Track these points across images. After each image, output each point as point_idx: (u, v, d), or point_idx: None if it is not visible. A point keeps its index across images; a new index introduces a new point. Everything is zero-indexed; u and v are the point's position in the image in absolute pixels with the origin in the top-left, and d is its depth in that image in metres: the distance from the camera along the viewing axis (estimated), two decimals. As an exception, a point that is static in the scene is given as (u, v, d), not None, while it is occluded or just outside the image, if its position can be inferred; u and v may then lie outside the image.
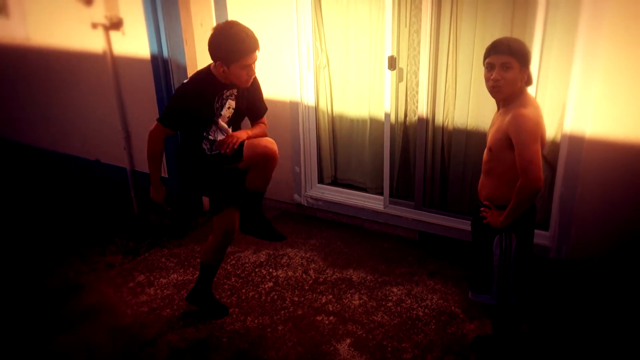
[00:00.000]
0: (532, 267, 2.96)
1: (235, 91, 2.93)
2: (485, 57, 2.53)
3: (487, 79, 2.52)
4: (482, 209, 2.65)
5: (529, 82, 2.53)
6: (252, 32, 2.75)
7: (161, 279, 3.90)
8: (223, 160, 3.02)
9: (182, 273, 3.96)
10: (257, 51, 2.76)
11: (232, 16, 4.51)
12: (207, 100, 2.86)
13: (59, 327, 3.40)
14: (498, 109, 2.63)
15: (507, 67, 2.44)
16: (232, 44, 2.69)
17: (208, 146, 3.00)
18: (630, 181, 3.31)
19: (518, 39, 2.56)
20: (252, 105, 3.10)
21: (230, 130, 3.01)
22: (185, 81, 2.90)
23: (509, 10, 3.58)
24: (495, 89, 2.49)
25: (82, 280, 3.89)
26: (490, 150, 2.57)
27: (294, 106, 4.43)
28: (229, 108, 2.95)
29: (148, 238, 4.46)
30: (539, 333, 3.19)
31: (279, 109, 4.48)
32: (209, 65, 2.88)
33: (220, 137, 2.97)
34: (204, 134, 2.95)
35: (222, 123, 2.95)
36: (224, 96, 2.91)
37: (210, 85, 2.86)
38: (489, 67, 2.49)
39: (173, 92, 4.24)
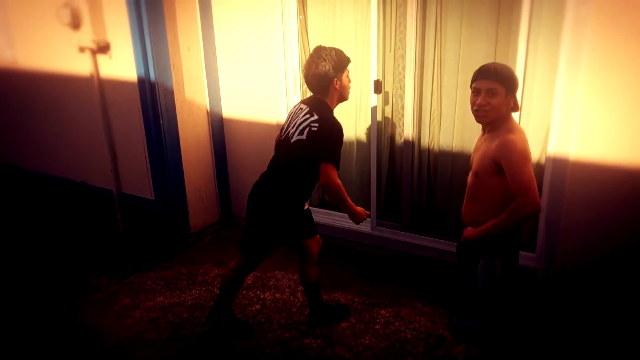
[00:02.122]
0: (518, 291, 2.97)
1: None
2: (472, 82, 2.55)
3: (472, 103, 2.54)
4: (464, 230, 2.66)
5: (514, 108, 2.54)
6: None
7: (147, 302, 3.86)
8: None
9: (168, 296, 3.93)
10: None
11: (219, 41, 4.57)
12: None
13: (44, 351, 3.36)
14: (483, 134, 2.65)
15: (493, 93, 2.46)
16: (340, 53, 2.97)
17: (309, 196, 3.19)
18: (614, 201, 3.35)
19: (506, 65, 2.59)
20: None
21: None
22: (321, 117, 2.93)
23: (493, 33, 3.65)
24: (480, 113, 2.51)
25: (68, 304, 3.85)
26: (476, 174, 2.58)
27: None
28: None
29: (134, 260, 4.43)
30: (527, 355, 3.20)
31: (266, 131, 4.51)
32: (324, 101, 3.00)
33: None
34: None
35: None
36: None
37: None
38: (475, 91, 2.51)
39: (157, 120, 4.26)
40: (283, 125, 3.14)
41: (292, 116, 3.07)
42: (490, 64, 2.54)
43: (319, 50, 2.94)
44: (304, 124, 2.93)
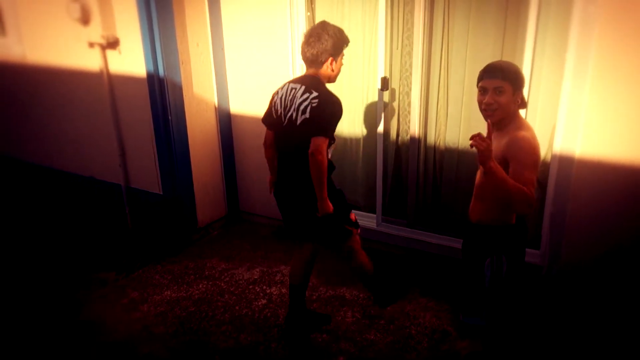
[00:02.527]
0: (524, 288, 2.96)
1: None
2: (478, 81, 2.53)
3: (480, 103, 2.52)
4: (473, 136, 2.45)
5: (522, 104, 2.53)
6: None
7: (154, 296, 3.90)
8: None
9: (175, 290, 3.97)
10: None
11: (227, 37, 4.59)
12: None
13: (53, 345, 3.40)
14: (491, 132, 2.63)
15: (500, 91, 2.44)
16: (343, 33, 2.95)
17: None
18: (619, 199, 3.36)
19: (511, 62, 2.58)
20: None
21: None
22: (320, 93, 2.90)
23: (500, 32, 3.65)
24: (487, 112, 2.49)
25: (76, 298, 3.90)
26: (485, 173, 2.57)
27: (288, 125, 4.48)
28: None
29: (142, 255, 4.47)
30: (530, 351, 3.22)
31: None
32: (317, 78, 2.97)
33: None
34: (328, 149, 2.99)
35: None
36: None
37: None
38: (482, 90, 2.50)
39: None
40: (276, 110, 3.05)
41: (285, 98, 3.00)
42: (496, 62, 2.53)
43: (325, 24, 2.93)
44: (305, 103, 2.89)
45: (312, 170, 2.87)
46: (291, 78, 4.31)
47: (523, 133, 2.41)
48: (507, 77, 2.44)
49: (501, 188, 2.31)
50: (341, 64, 3.03)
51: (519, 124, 2.47)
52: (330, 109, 2.89)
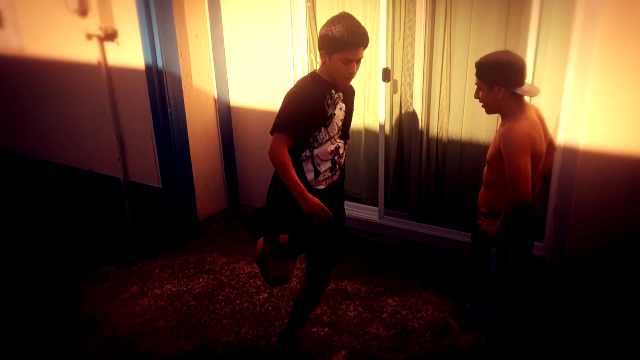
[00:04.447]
0: (531, 279, 2.94)
1: (342, 95, 2.73)
2: None
3: None
4: (480, 216, 2.64)
5: (504, 97, 2.46)
6: (362, 28, 2.61)
7: (155, 290, 3.87)
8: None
9: (175, 284, 3.94)
10: (362, 48, 2.62)
11: (226, 28, 4.54)
12: (318, 98, 2.63)
13: (53, 339, 3.38)
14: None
15: (478, 87, 2.53)
16: (337, 32, 2.55)
17: (312, 169, 2.74)
18: (624, 192, 3.32)
19: (500, 52, 2.58)
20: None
21: (338, 140, 2.77)
22: (293, 86, 2.72)
23: (503, 22, 3.61)
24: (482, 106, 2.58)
25: (76, 292, 3.87)
26: (487, 162, 2.58)
27: (288, 117, 4.44)
28: (340, 109, 2.73)
29: (142, 248, 4.44)
30: (534, 344, 3.19)
31: (274, 119, 4.48)
32: (313, 71, 2.74)
33: (325, 153, 2.74)
34: (310, 147, 2.70)
35: (335, 125, 2.71)
36: (334, 97, 2.69)
37: (318, 83, 2.66)
38: None
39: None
40: None
41: None
42: (484, 56, 2.56)
43: (333, 18, 2.59)
44: None
45: (278, 174, 2.68)
46: (291, 68, 4.32)
47: (514, 124, 2.43)
48: (479, 74, 2.51)
49: (507, 223, 2.48)
50: (339, 65, 2.59)
51: (517, 115, 2.48)
52: (285, 102, 2.66)
